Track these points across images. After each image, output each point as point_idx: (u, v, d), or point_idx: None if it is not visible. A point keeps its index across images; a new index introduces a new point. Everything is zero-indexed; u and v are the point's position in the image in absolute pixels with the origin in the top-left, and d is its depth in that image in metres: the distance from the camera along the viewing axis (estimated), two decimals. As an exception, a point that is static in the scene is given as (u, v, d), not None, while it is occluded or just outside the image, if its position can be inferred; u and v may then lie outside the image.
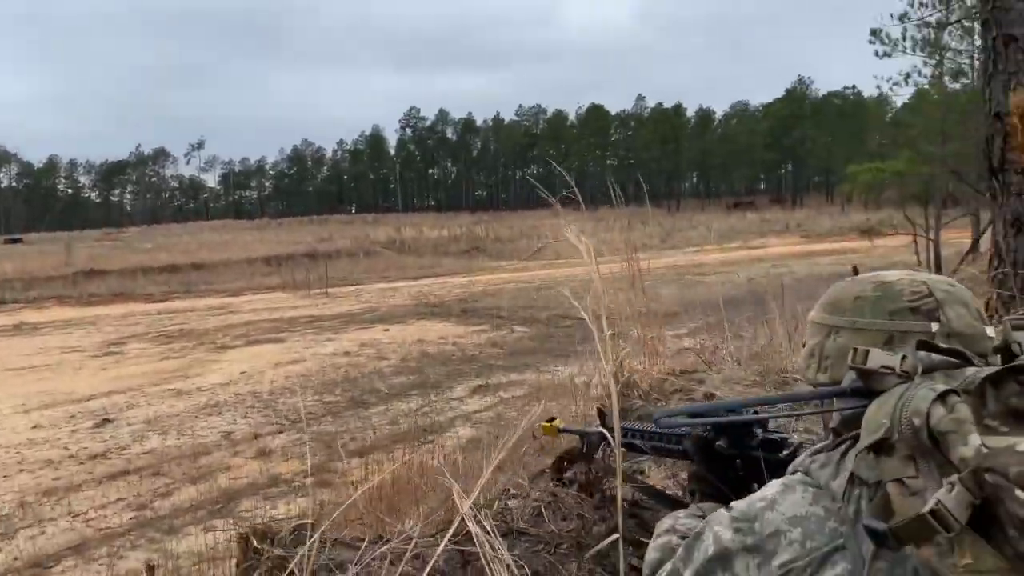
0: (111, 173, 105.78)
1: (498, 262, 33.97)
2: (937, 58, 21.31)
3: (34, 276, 27.83)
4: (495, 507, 1.23)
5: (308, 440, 8.15)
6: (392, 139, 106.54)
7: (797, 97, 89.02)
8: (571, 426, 1.57)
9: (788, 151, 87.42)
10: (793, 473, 1.01)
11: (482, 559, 0.95)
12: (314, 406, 9.97)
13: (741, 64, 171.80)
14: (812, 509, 0.93)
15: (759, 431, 1.25)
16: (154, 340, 16.13)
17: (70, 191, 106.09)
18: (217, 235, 51.72)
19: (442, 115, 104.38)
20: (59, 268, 29.44)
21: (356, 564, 0.95)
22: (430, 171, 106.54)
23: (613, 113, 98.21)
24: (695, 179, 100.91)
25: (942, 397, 0.80)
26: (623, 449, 1.39)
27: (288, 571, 0.90)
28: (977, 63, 19.75)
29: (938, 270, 14.37)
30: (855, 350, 0.91)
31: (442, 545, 0.96)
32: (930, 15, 18.40)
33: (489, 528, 0.97)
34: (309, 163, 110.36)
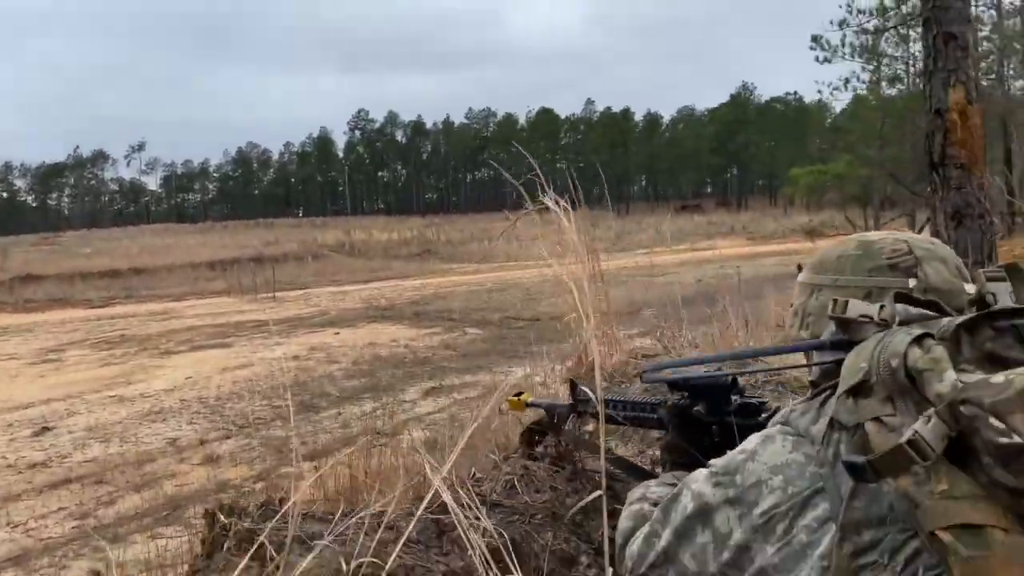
0: (48, 176, 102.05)
1: (450, 265, 33.87)
2: (875, 64, 22.07)
3: (-35, 282, 26.69)
4: (469, 477, 1.21)
5: (257, 445, 7.98)
6: (340, 141, 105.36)
7: (741, 103, 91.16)
8: (539, 400, 1.56)
9: (733, 155, 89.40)
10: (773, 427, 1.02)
11: (458, 528, 0.93)
12: (262, 411, 9.76)
13: (687, 70, 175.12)
14: (793, 456, 0.95)
15: (736, 397, 1.26)
16: (94, 346, 15.61)
17: (5, 195, 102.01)
18: (159, 239, 50.32)
19: (391, 117, 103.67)
20: (-8, 274, 28.28)
21: (329, 535, 0.92)
22: (379, 174, 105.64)
23: (563, 117, 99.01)
24: (644, 183, 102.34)
25: (919, 340, 0.83)
26: (595, 421, 1.39)
27: (257, 544, 0.86)
28: (913, 69, 20.52)
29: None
30: (835, 301, 0.95)
31: (418, 513, 0.94)
32: (868, 22, 19.03)
33: (464, 497, 0.95)
34: (255, 165, 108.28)
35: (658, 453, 1.51)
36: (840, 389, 0.88)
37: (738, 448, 1.02)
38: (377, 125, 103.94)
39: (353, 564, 0.86)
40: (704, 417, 1.26)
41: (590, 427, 1.54)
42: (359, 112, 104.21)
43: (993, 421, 0.72)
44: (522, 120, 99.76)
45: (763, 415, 1.24)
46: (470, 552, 0.91)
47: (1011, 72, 21.94)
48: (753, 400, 1.27)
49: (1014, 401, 0.72)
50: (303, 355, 13.64)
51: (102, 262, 33.08)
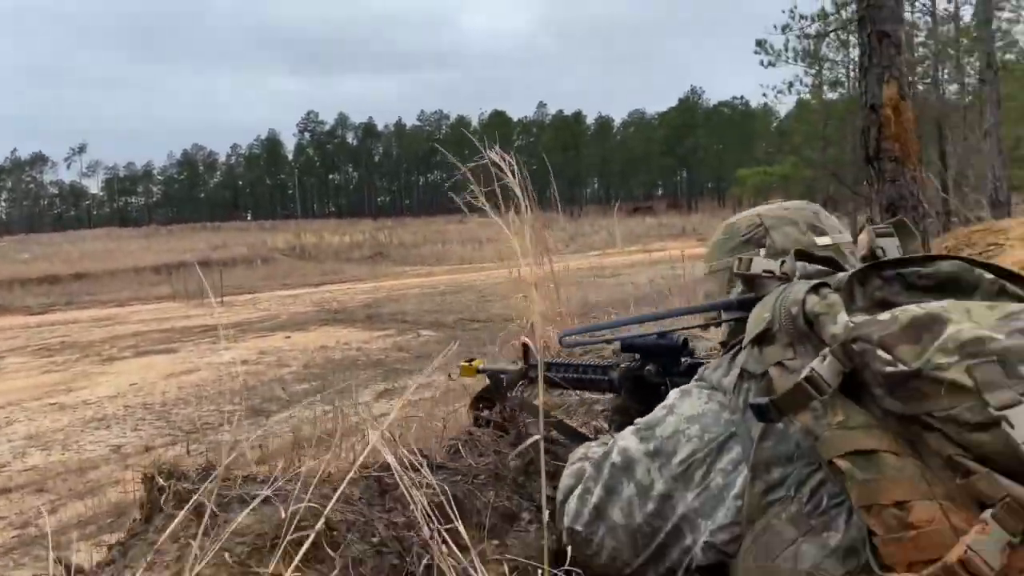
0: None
1: (403, 267, 33.63)
2: (816, 68, 22.70)
3: None
4: (410, 439, 1.22)
5: (205, 450, 7.82)
6: (290, 143, 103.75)
7: (690, 107, 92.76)
8: (491, 365, 1.58)
9: (683, 158, 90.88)
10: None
11: (400, 485, 0.94)
12: (210, 416, 9.56)
13: (637, 74, 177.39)
14: (708, 406, 1.02)
15: (686, 358, 1.30)
16: (34, 353, 15.08)
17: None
18: (101, 243, 48.83)
19: (342, 119, 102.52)
20: (-77, 280, 27.13)
21: (269, 488, 0.92)
22: (330, 176, 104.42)
23: (516, 119, 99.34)
24: (596, 185, 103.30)
25: (815, 289, 0.89)
26: (554, 385, 1.44)
27: (195, 502, 0.86)
28: (853, 73, 21.14)
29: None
30: (739, 259, 1.02)
31: (356, 463, 0.95)
32: (809, 26, 19.58)
33: (407, 457, 0.96)
34: (201, 168, 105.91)
35: (603, 424, 1.55)
36: (746, 340, 0.95)
37: (660, 405, 1.08)
38: (327, 127, 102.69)
39: (290, 509, 0.87)
40: (654, 378, 1.30)
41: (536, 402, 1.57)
42: (308, 114, 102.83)
43: (881, 353, 0.78)
44: (475, 122, 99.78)
45: None
46: (412, 507, 0.92)
47: (946, 76, 22.80)
48: (702, 361, 1.31)
49: (898, 335, 0.78)
50: (252, 359, 13.40)
51: (41, 267, 31.98)
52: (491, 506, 1.13)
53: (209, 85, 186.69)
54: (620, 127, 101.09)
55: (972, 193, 16.32)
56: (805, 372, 0.81)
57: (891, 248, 1.01)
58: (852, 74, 21.41)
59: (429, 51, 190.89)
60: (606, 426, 1.47)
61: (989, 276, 0.90)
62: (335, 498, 0.90)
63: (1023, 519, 0.69)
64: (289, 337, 15.91)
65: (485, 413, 1.50)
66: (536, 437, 1.14)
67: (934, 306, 0.81)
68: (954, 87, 22.72)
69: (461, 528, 0.92)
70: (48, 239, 57.98)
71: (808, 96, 24.58)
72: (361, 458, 0.96)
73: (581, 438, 1.38)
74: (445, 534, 0.92)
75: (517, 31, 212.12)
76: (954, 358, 0.76)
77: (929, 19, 20.94)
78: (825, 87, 23.45)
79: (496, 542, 1.08)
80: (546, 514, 0.96)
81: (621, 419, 1.33)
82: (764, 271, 1.01)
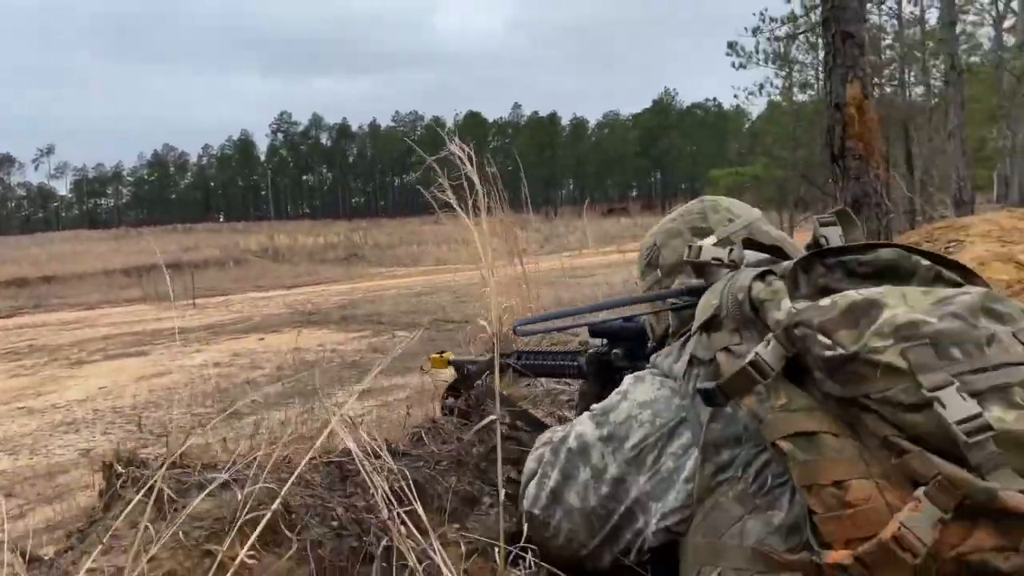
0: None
1: (378, 269, 33.44)
2: (787, 70, 23.00)
3: None
4: (372, 427, 1.23)
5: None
6: (262, 144, 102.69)
7: (663, 108, 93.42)
8: (461, 357, 1.61)
9: (657, 159, 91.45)
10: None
11: (361, 471, 0.95)
12: (182, 419, 9.44)
13: (611, 75, 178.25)
14: (660, 392, 1.04)
15: (652, 343, 1.33)
16: (1, 357, 14.80)
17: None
18: (70, 246, 47.98)
19: (316, 120, 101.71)
20: None
21: (227, 472, 0.92)
22: (304, 177, 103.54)
23: (491, 120, 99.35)
24: (571, 186, 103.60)
25: (761, 276, 0.92)
26: (517, 374, 1.47)
27: (153, 486, 0.86)
28: (822, 75, 21.42)
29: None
30: (690, 247, 1.05)
31: (312, 450, 0.95)
32: (779, 28, 19.84)
33: (368, 443, 0.97)
34: (171, 169, 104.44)
35: (567, 414, 1.57)
36: (695, 326, 0.97)
37: (614, 391, 1.11)
38: (301, 128, 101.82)
39: (247, 490, 0.87)
40: (620, 362, 1.33)
41: (504, 391, 1.61)
42: (282, 114, 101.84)
43: (821, 338, 0.81)
44: (450, 123, 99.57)
45: None
46: (372, 492, 0.93)
47: (912, 79, 23.23)
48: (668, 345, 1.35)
49: (837, 320, 0.81)
50: (225, 362, 13.25)
51: (8, 270, 31.37)
52: (452, 491, 1.15)
53: (179, 85, 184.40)
54: (595, 128, 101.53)
55: (937, 193, 16.65)
56: (749, 357, 0.84)
57: (834, 237, 1.04)
58: (821, 76, 21.71)
59: (404, 52, 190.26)
60: (571, 415, 1.50)
61: (925, 263, 0.93)
62: (292, 479, 0.90)
63: (954, 496, 0.71)
64: (262, 339, 15.76)
65: (449, 401, 1.53)
66: (492, 418, 1.16)
67: (872, 292, 0.84)
68: (920, 89, 23.16)
69: (421, 511, 0.93)
70: (16, 241, 56.86)
71: (779, 98, 24.91)
72: (319, 441, 0.96)
73: (543, 427, 1.40)
74: (405, 516, 0.94)
75: (491, 32, 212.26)
76: (889, 341, 0.79)
77: (895, 22, 21.32)
78: (795, 89, 23.78)
79: (456, 525, 1.10)
80: (502, 493, 0.97)
81: (586, 404, 1.35)
82: (713, 258, 1.03)
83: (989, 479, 0.72)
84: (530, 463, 1.20)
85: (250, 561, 0.84)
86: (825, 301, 0.84)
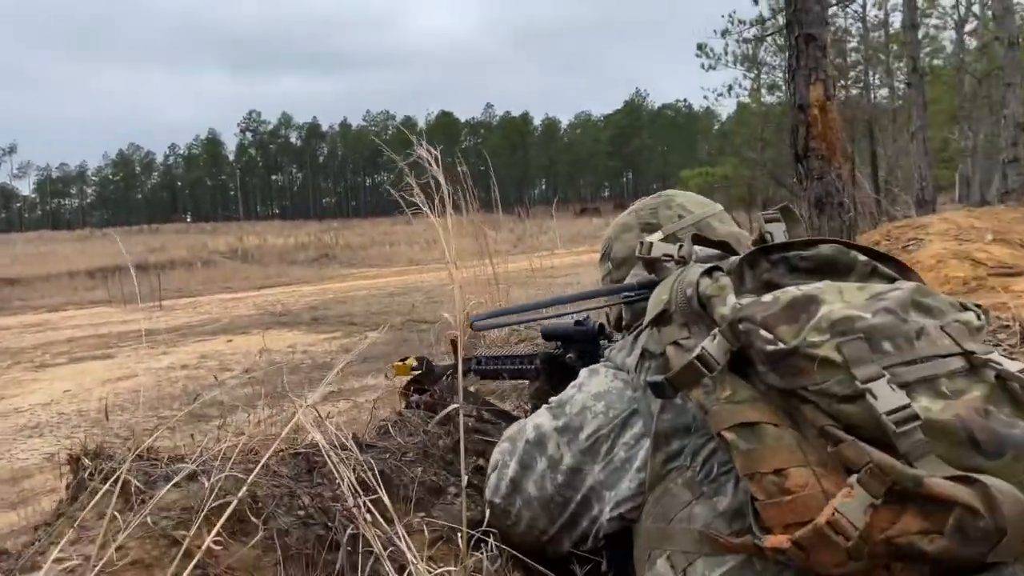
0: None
1: (350, 269, 33.18)
2: (755, 72, 23.30)
3: None
4: (340, 420, 1.24)
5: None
6: (231, 143, 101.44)
7: (635, 108, 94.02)
8: (422, 366, 1.63)
9: (628, 160, 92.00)
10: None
11: (327, 461, 0.96)
12: (148, 422, 9.31)
13: (583, 76, 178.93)
14: (613, 384, 1.07)
15: (604, 341, 1.36)
16: (-41, 361, 14.42)
17: None
18: (33, 247, 46.94)
19: (285, 119, 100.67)
20: None
21: (194, 463, 0.93)
22: (273, 177, 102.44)
23: (463, 120, 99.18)
24: (544, 186, 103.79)
25: (708, 272, 0.95)
26: (478, 377, 1.49)
27: (117, 475, 0.87)
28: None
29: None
30: (641, 243, 1.09)
31: (278, 440, 0.96)
32: (747, 30, 20.09)
33: (335, 435, 0.98)
34: (137, 169, 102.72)
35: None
36: (646, 321, 1.01)
37: (571, 383, 1.14)
38: (270, 127, 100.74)
39: (213, 479, 0.88)
40: (575, 363, 1.36)
41: (472, 387, 1.63)
42: (250, 113, 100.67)
43: (763, 332, 0.85)
44: (422, 123, 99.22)
45: None
46: (339, 482, 0.95)
47: (876, 81, 23.67)
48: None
49: (778, 315, 0.85)
50: (192, 364, 13.05)
51: (-33, 272, 30.61)
52: (418, 481, 1.17)
53: (145, 84, 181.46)
54: (567, 128, 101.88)
55: (901, 193, 16.98)
56: (696, 351, 0.87)
57: (778, 233, 1.07)
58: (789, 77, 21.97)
59: (375, 52, 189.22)
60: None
61: (863, 258, 0.98)
62: (258, 468, 0.91)
63: (883, 482, 0.75)
64: (231, 341, 15.55)
65: (414, 397, 1.55)
66: (455, 406, 1.18)
67: (811, 288, 0.88)
68: (884, 91, 23.61)
69: (387, 500, 0.95)
70: (-25, 243, 55.45)
71: (747, 99, 25.24)
72: (286, 431, 0.98)
73: (507, 417, 1.44)
74: (370, 505, 0.95)
75: (464, 32, 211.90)
76: (826, 336, 0.82)
77: (861, 25, 21.72)
78: (763, 90, 24.11)
79: (422, 514, 1.12)
80: (465, 480, 1.00)
81: (542, 401, 1.38)
82: (664, 255, 1.07)
83: (916, 466, 0.76)
84: (495, 454, 1.22)
85: (217, 548, 0.85)
86: (767, 297, 0.88)
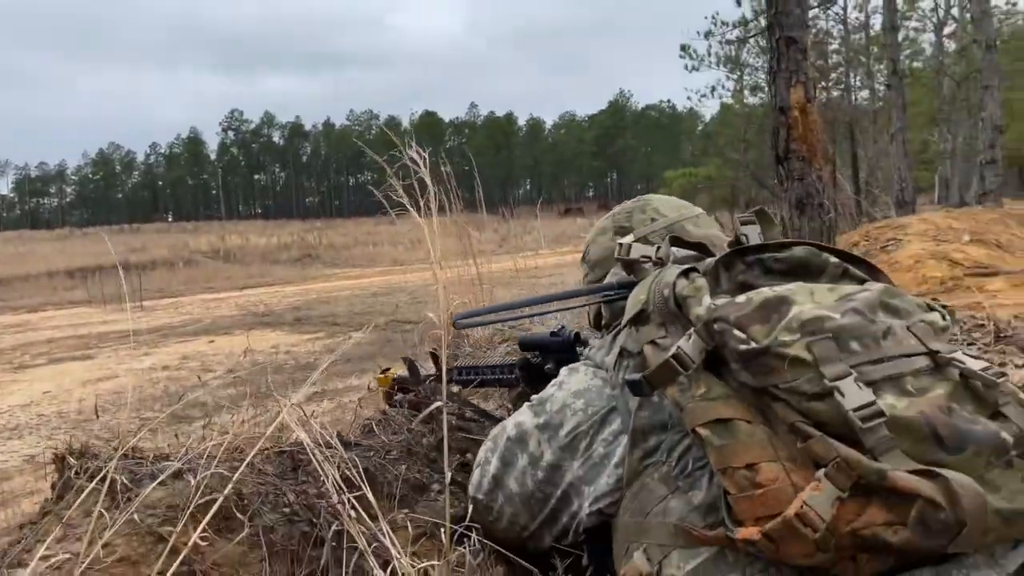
0: None
1: (333, 269, 33.04)
2: (738, 73, 23.46)
3: None
4: (324, 419, 1.26)
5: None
6: (212, 142, 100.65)
7: (619, 109, 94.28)
8: (406, 375, 1.65)
9: (612, 160, 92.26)
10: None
11: (312, 460, 0.97)
12: (130, 423, 9.21)
13: (568, 77, 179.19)
14: (592, 382, 1.10)
15: (581, 348, 1.39)
16: (-64, 363, 14.23)
17: None
18: (11, 247, 46.34)
19: (268, 118, 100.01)
20: None
21: (180, 461, 0.94)
22: (256, 177, 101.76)
23: (447, 120, 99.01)
24: (528, 186, 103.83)
25: (685, 273, 0.98)
26: (459, 386, 1.51)
27: (103, 473, 0.88)
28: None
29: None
30: (620, 244, 1.11)
31: (263, 439, 0.98)
32: (730, 31, 20.22)
33: (319, 433, 0.99)
34: (118, 168, 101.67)
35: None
36: (624, 321, 1.03)
37: (552, 382, 1.17)
38: (252, 126, 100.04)
39: (199, 476, 0.89)
40: (553, 371, 1.39)
41: (456, 387, 1.65)
42: (232, 112, 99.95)
43: (737, 332, 0.87)
44: (406, 122, 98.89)
45: None
46: (323, 479, 0.96)
47: (857, 83, 23.91)
48: None
49: (751, 315, 0.88)
50: (174, 365, 12.95)
51: (-56, 272, 30.20)
52: (402, 478, 1.18)
53: (126, 82, 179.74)
54: (551, 129, 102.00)
55: (882, 194, 17.17)
56: (672, 350, 0.89)
57: (753, 235, 1.10)
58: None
59: (359, 51, 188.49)
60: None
61: (834, 260, 1.01)
62: (243, 466, 0.93)
63: (850, 476, 0.78)
64: (213, 341, 15.45)
65: (398, 397, 1.57)
66: (438, 404, 1.20)
67: (783, 289, 0.91)
68: (865, 93, 23.84)
69: (371, 496, 0.96)
70: (-48, 242, 54.67)
71: (730, 100, 25.40)
72: (271, 429, 0.99)
73: (488, 417, 1.46)
74: (355, 502, 0.97)
75: (448, 32, 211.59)
76: (796, 336, 0.85)
77: (842, 27, 21.92)
78: (746, 91, 24.26)
79: (406, 511, 1.13)
80: (448, 476, 1.01)
81: (520, 405, 1.41)
82: (642, 256, 1.10)
83: (881, 460, 0.79)
84: (480, 454, 1.24)
85: (203, 544, 0.86)
86: (741, 298, 0.90)
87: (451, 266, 3.46)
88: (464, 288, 3.31)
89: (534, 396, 1.18)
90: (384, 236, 40.11)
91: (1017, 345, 2.75)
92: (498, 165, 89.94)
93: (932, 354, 0.87)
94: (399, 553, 0.92)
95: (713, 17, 20.71)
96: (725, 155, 24.90)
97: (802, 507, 0.78)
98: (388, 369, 1.67)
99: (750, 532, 0.81)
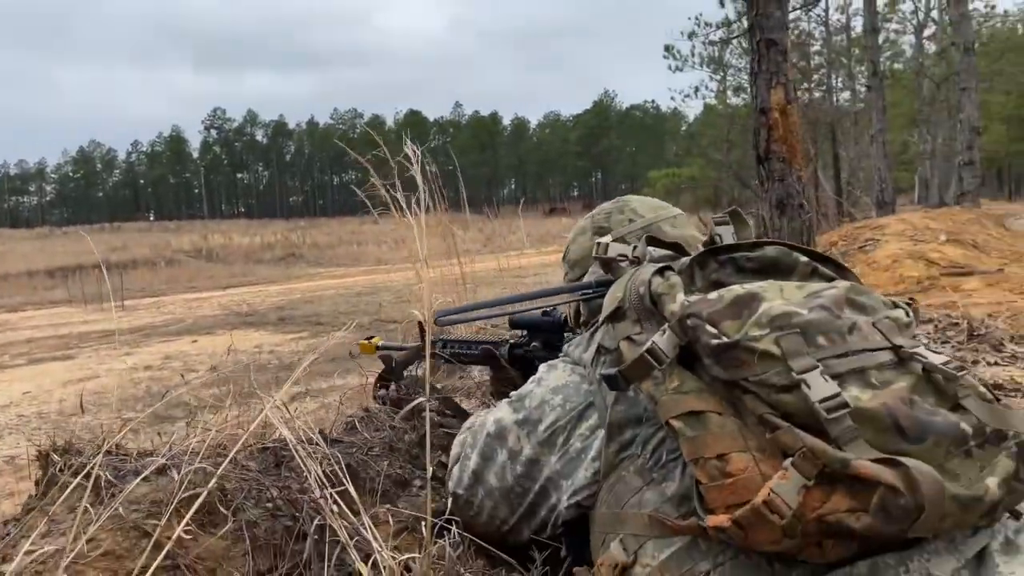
0: None
1: (317, 269, 32.89)
2: (721, 74, 23.62)
3: None
4: (307, 416, 1.27)
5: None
6: (195, 141, 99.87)
7: (603, 109, 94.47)
8: (389, 343, 1.67)
9: (597, 160, 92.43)
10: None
11: (295, 456, 0.99)
12: (111, 424, 9.15)
13: (553, 76, 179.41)
14: (570, 378, 1.13)
15: (568, 333, 1.42)
16: (-86, 363, 14.04)
17: None
18: (-11, 246, 45.75)
19: (251, 116, 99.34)
20: None
21: (163, 457, 0.95)
22: (239, 175, 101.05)
23: (432, 119, 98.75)
24: (513, 186, 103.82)
25: (660, 271, 1.01)
26: (445, 361, 1.54)
27: (88, 469, 0.89)
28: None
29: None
30: (598, 244, 1.14)
31: (247, 434, 0.99)
32: (714, 32, 20.35)
33: (302, 430, 1.01)
34: (99, 166, 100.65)
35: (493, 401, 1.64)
36: (602, 318, 1.06)
37: (531, 378, 1.20)
38: (235, 124, 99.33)
39: (183, 471, 0.90)
40: (539, 352, 1.42)
41: (439, 384, 1.67)
42: (215, 111, 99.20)
43: (709, 328, 0.90)
44: (390, 121, 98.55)
45: None
46: (306, 475, 0.98)
47: (839, 84, 24.12)
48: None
49: (723, 311, 0.91)
50: (156, 364, 12.84)
51: (-79, 272, 29.79)
52: (384, 474, 1.20)
53: (107, 80, 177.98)
54: (536, 128, 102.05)
55: (862, 195, 17.34)
56: (647, 345, 0.92)
57: (727, 235, 1.14)
58: (753, 80, 22.26)
59: (343, 50, 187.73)
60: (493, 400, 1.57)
61: (804, 259, 1.05)
62: (227, 461, 0.94)
63: (815, 465, 0.81)
64: (195, 341, 15.34)
65: (382, 392, 1.58)
66: (420, 400, 1.22)
67: (754, 286, 0.94)
68: (846, 94, 24.07)
69: (353, 491, 0.98)
70: (-71, 242, 53.87)
71: (714, 101, 25.56)
72: (253, 425, 1.00)
73: (465, 414, 1.49)
74: (337, 497, 0.98)
75: (433, 31, 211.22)
76: (766, 331, 0.88)
77: (824, 29, 22.11)
78: (729, 92, 24.43)
79: (388, 506, 1.15)
80: (430, 471, 1.03)
81: (505, 389, 1.43)
82: (619, 255, 1.12)
83: (846, 450, 0.82)
84: (455, 447, 1.27)
85: (187, 539, 0.87)
86: (713, 295, 0.94)
87: (435, 265, 3.48)
88: (448, 287, 3.33)
89: (513, 392, 1.20)
90: (368, 235, 39.97)
91: (990, 343, 2.81)
92: (483, 164, 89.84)
93: (895, 349, 0.91)
94: (381, 547, 0.94)
95: (697, 18, 20.86)
96: (708, 155, 25.07)
97: (769, 495, 0.81)
98: (372, 337, 1.69)
99: (720, 520, 0.84)
